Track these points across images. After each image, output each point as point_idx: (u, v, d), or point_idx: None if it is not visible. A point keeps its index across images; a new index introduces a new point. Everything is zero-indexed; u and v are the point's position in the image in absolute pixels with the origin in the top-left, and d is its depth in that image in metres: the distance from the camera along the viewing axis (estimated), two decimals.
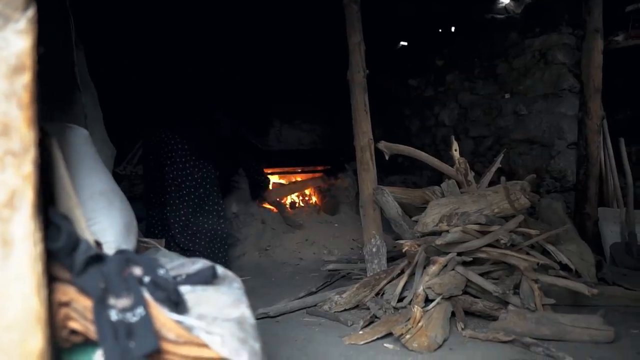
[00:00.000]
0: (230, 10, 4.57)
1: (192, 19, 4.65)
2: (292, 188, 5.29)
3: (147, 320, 0.80)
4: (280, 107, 6.15)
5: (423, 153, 3.36)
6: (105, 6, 3.92)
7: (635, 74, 4.02)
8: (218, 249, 3.41)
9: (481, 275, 2.58)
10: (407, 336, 2.14)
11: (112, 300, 0.82)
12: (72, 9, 1.84)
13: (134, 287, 0.85)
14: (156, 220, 3.49)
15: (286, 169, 5.56)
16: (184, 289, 0.97)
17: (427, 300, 2.46)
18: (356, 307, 2.73)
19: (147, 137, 3.66)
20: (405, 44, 6.03)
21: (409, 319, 2.22)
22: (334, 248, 4.36)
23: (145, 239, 1.75)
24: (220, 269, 1.12)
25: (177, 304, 0.89)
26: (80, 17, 1.91)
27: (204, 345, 0.83)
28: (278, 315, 2.67)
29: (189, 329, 0.85)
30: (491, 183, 3.26)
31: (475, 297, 2.57)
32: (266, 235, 4.37)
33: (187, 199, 3.35)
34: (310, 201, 5.34)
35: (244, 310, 0.98)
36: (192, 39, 4.80)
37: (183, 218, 3.33)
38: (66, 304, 0.82)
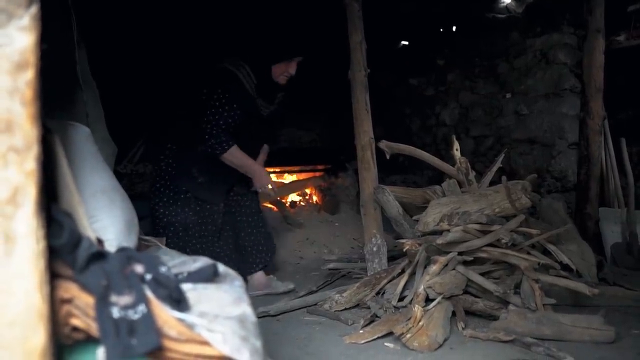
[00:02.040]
0: (230, 8, 4.57)
1: (191, 17, 4.65)
2: (292, 187, 5.28)
3: (149, 317, 0.81)
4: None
5: (424, 152, 3.36)
6: (107, 4, 3.92)
7: (637, 74, 4.01)
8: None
9: (482, 274, 2.57)
10: (408, 335, 2.14)
11: (113, 298, 0.82)
12: (74, 7, 1.84)
13: (135, 285, 0.85)
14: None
15: (286, 168, 5.55)
16: (186, 287, 0.96)
17: (428, 300, 2.46)
18: (357, 306, 2.73)
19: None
20: (407, 43, 6.02)
21: (409, 318, 2.21)
22: (334, 247, 4.36)
23: (146, 237, 1.75)
24: (221, 267, 1.12)
25: (179, 302, 0.88)
26: (82, 16, 1.90)
27: (206, 343, 0.83)
28: (279, 314, 2.67)
29: (190, 326, 0.85)
30: (492, 183, 3.25)
31: (475, 296, 2.57)
32: None
33: (154, 189, 3.20)
34: (311, 200, 5.34)
35: (245, 309, 0.98)
36: (191, 36, 4.80)
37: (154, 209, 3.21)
38: (68, 301, 0.82)
